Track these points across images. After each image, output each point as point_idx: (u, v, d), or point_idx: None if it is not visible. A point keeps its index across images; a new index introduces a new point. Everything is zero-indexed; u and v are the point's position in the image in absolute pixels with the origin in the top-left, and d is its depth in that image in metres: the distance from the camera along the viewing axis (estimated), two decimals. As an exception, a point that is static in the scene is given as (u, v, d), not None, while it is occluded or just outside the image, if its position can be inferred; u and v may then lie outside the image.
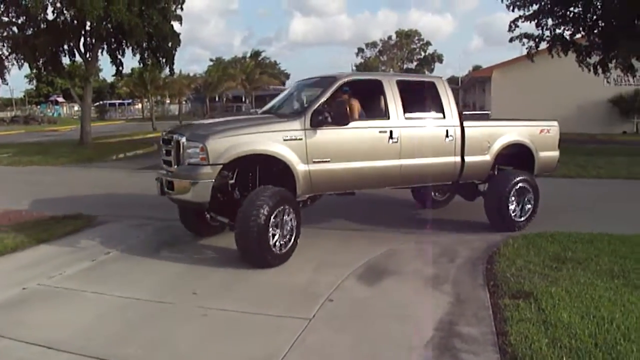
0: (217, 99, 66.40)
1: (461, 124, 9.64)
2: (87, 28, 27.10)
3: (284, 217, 7.85)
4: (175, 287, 7.10)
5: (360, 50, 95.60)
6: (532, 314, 5.87)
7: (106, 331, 5.78)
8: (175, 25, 29.11)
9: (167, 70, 31.78)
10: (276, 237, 7.75)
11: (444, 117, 9.53)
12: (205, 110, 60.58)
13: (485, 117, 11.28)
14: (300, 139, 8.10)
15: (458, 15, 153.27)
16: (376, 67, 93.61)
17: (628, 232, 9.35)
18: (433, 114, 9.57)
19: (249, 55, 75.08)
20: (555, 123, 10.87)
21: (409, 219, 11.19)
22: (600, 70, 22.74)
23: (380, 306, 6.46)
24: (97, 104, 73.37)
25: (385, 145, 8.84)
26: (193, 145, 7.74)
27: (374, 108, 9.32)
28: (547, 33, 22.49)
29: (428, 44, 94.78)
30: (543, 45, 23.22)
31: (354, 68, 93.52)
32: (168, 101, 70.95)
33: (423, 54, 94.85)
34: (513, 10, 22.17)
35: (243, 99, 65.52)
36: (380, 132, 8.81)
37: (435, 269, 7.73)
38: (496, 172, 10.35)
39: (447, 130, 9.44)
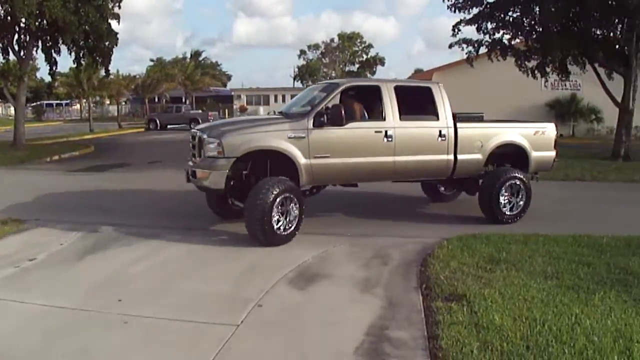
0: (156, 99, 65.48)
1: (455, 125, 10.46)
2: (22, 25, 26.10)
3: (288, 203, 9.01)
4: (99, 294, 6.71)
5: (303, 52, 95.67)
6: (464, 317, 5.74)
7: (25, 343, 5.43)
8: (113, 23, 28.19)
9: (103, 71, 30.93)
10: (280, 221, 8.94)
11: (438, 118, 10.39)
12: (145, 111, 59.51)
13: (479, 118, 11.83)
14: (304, 137, 9.29)
15: (401, 19, 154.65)
16: (318, 70, 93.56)
17: (563, 232, 9.44)
18: (427, 116, 10.45)
19: (189, 55, 74.44)
20: (552, 125, 11.73)
21: (348, 217, 11.07)
22: (538, 74, 23.04)
23: (311, 311, 6.25)
24: (34, 104, 71.35)
25: (381, 143, 9.85)
26: (212, 141, 9.12)
27: (372, 110, 10.32)
28: (487, 37, 22.72)
29: (370, 46, 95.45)
30: (483, 50, 23.44)
31: (296, 70, 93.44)
32: (107, 102, 69.56)
33: (365, 56, 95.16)
34: (454, 12, 22.33)
35: (183, 100, 64.69)
36: (375, 132, 9.84)
37: (367, 272, 7.55)
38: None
39: (440, 131, 10.33)
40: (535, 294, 6.43)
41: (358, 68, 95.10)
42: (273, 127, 9.56)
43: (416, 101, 10.53)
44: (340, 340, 5.44)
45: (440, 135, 10.32)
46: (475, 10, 22.24)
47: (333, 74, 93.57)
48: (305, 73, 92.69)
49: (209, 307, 6.29)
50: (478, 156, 10.74)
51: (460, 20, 22.61)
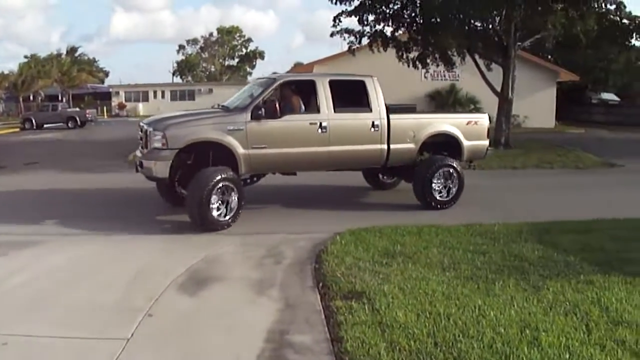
0: (31, 97, 62.30)
1: (387, 116, 10.90)
2: None
3: (227, 191, 9.51)
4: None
5: (182, 47, 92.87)
6: (366, 316, 5.45)
7: None
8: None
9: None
10: (219, 209, 9.47)
11: (371, 110, 10.86)
12: (19, 110, 56.48)
13: (412, 110, 12.71)
14: (242, 129, 9.82)
15: (280, 13, 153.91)
16: (197, 64, 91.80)
17: (454, 221, 9.49)
18: (360, 107, 10.93)
19: (64, 51, 71.25)
20: (485, 115, 12.39)
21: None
22: (420, 65, 23.29)
23: (205, 318, 5.78)
24: None
25: (315, 134, 10.35)
26: (156, 133, 9.63)
27: (308, 103, 10.82)
28: (368, 29, 22.71)
29: (249, 40, 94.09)
30: (365, 41, 23.43)
31: (175, 66, 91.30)
32: (-19, 101, 65.56)
33: (245, 50, 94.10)
34: (335, 4, 22.19)
35: (60, 98, 61.85)
36: (310, 123, 10.36)
37: (261, 273, 7.15)
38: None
39: (373, 122, 10.80)
40: (435, 287, 6.26)
41: (238, 62, 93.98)
42: (213, 120, 10.13)
43: (350, 94, 11.01)
44: (240, 348, 5.03)
45: (373, 126, 10.79)
46: (356, 2, 22.19)
47: (212, 69, 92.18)
48: (184, 68, 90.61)
49: (96, 320, 5.66)
50: (411, 145, 11.19)
51: (342, 11, 22.47)
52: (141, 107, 63.94)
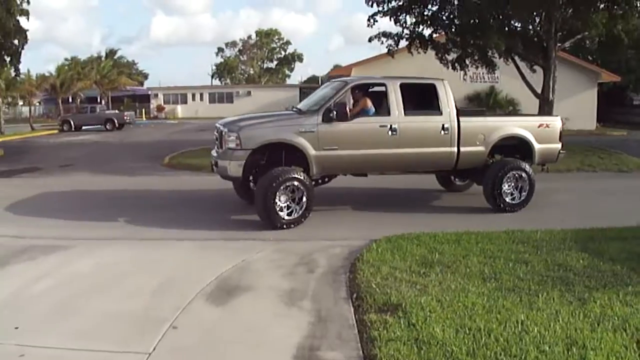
0: (70, 100, 62.88)
1: (457, 119, 10.96)
2: None
3: (293, 191, 9.81)
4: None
5: (220, 50, 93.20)
6: (402, 331, 5.15)
7: None
8: (22, 20, 26.48)
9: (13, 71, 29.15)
10: (287, 207, 9.81)
11: (441, 113, 10.93)
12: (59, 112, 56.88)
13: (481, 113, 13.04)
14: (313, 131, 10.09)
15: (320, 16, 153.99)
16: (236, 67, 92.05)
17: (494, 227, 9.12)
18: (431, 110, 10.99)
19: (104, 54, 71.83)
20: (557, 118, 12.33)
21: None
22: (458, 67, 22.85)
23: (232, 331, 5.54)
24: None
25: (385, 137, 10.53)
26: (231, 134, 10.01)
27: (379, 106, 10.93)
28: (406, 31, 22.33)
29: (288, 43, 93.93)
30: (403, 43, 23.07)
31: (214, 68, 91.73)
32: (21, 103, 66.14)
33: (283, 53, 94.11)
34: (372, 6, 21.85)
35: (98, 100, 62.43)
36: (380, 126, 10.56)
37: (292, 282, 6.89)
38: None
39: (443, 125, 10.88)
40: (475, 300, 5.93)
41: (276, 65, 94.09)
42: (286, 122, 10.52)
43: (421, 97, 11.17)
44: (266, 365, 4.78)
45: (443, 128, 10.88)
46: (393, 3, 21.83)
47: (251, 72, 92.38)
48: (223, 71, 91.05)
49: (118, 332, 5.47)
50: (481, 148, 11.24)
51: (378, 11, 22.12)
52: (180, 110, 64.29)
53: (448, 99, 11.06)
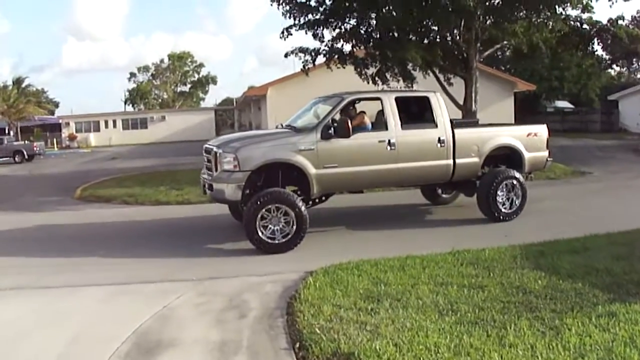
0: (-24, 131, 59.90)
1: (452, 131, 10.89)
2: None
3: (278, 213, 9.34)
4: None
5: (133, 75, 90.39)
6: (360, 390, 4.28)
7: None
8: None
9: None
10: (266, 229, 9.31)
11: (437, 126, 10.85)
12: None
13: (475, 124, 12.94)
14: (312, 149, 9.80)
15: (233, 38, 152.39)
16: (149, 92, 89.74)
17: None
18: (427, 124, 10.91)
19: (10, 83, 68.72)
20: (544, 126, 12.33)
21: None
22: (379, 81, 22.35)
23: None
24: None
25: (384, 152, 10.35)
26: (227, 155, 9.59)
27: (376, 121, 10.93)
28: (324, 46, 21.68)
29: (201, 65, 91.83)
30: (320, 59, 22.38)
31: (127, 94, 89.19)
32: None
33: (197, 76, 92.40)
34: (290, 18, 21.03)
35: (6, 131, 59.58)
36: (379, 141, 10.35)
37: (223, 332, 5.89)
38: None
39: (439, 137, 10.77)
40: (437, 339, 5.13)
41: (190, 88, 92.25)
42: (283, 141, 10.06)
43: (415, 110, 11.21)
44: None
45: (439, 141, 10.77)
46: (310, 17, 21.13)
47: (165, 96, 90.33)
48: (136, 96, 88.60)
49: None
50: (475, 159, 11.20)
51: (294, 24, 21.38)
52: (93, 138, 62.05)
53: (442, 111, 11.00)
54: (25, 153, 40.66)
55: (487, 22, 19.77)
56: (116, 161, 31.87)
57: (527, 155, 11.63)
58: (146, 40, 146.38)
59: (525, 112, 41.43)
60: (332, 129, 9.95)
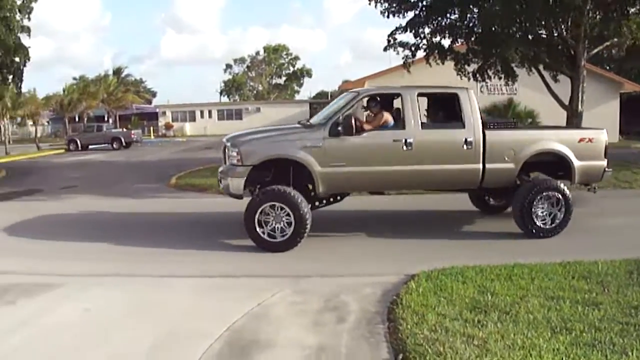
0: (77, 118, 62.02)
1: (483, 132, 9.95)
2: None
3: (279, 212, 9.18)
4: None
5: (229, 66, 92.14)
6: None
7: None
8: (23, 37, 25.49)
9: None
10: (265, 227, 9.21)
11: (464, 126, 9.93)
12: (66, 131, 56.02)
13: (512, 125, 11.40)
14: (319, 146, 9.43)
15: (328, 31, 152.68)
16: (244, 83, 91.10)
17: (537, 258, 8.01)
18: (452, 123, 10.10)
19: (111, 72, 70.95)
20: (603, 131, 10.73)
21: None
22: (479, 78, 21.70)
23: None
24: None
25: (399, 152, 9.67)
26: (233, 149, 9.59)
27: (394, 118, 10.15)
28: (424, 42, 21.20)
29: (297, 58, 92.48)
30: (420, 54, 21.96)
31: (222, 85, 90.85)
32: (30, 123, 65.35)
33: (292, 68, 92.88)
34: (388, 17, 20.68)
35: (105, 118, 61.64)
36: (394, 140, 9.68)
37: (320, 336, 5.65)
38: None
39: (465, 139, 9.85)
40: (551, 361, 4.72)
41: (285, 81, 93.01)
42: (290, 137, 9.86)
43: (442, 108, 10.59)
44: None
45: (465, 143, 9.86)
46: (410, 14, 20.72)
47: (260, 88, 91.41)
48: (231, 87, 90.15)
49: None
50: (510, 165, 10.10)
51: (396, 28, 21.06)
52: (188, 127, 63.48)
53: (473, 110, 10.04)
54: (122, 140, 42.17)
55: (597, 18, 18.79)
56: (211, 151, 32.24)
57: (578, 164, 10.23)
58: (242, 33, 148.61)
59: (633, 115, 39.58)
60: (341, 126, 9.49)
